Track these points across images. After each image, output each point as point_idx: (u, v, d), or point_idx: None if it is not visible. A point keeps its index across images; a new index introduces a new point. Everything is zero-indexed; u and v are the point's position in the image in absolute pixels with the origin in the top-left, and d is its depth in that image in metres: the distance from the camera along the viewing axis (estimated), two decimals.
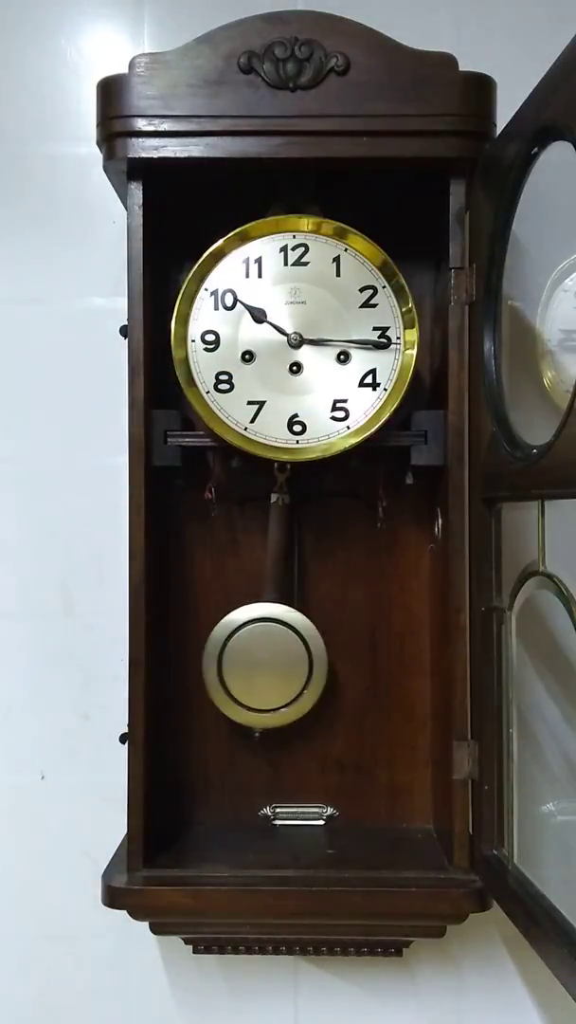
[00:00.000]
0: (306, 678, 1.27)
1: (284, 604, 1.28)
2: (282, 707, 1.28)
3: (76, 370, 1.40)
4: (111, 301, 1.35)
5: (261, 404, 1.20)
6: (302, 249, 1.20)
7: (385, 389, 1.20)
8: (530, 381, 1.30)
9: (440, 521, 1.24)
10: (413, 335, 1.20)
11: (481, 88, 1.15)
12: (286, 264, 1.20)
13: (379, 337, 1.20)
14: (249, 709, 1.28)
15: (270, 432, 1.20)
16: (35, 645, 1.41)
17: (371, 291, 1.20)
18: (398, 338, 1.20)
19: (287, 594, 1.30)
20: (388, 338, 1.20)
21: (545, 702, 1.25)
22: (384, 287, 1.20)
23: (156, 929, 1.27)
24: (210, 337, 1.20)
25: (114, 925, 1.33)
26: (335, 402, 1.20)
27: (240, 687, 1.27)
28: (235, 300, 1.20)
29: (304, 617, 1.28)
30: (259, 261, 1.20)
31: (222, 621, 1.27)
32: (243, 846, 1.26)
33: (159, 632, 1.28)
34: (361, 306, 1.20)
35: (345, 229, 1.20)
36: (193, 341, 1.20)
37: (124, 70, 1.16)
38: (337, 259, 1.20)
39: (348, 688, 1.34)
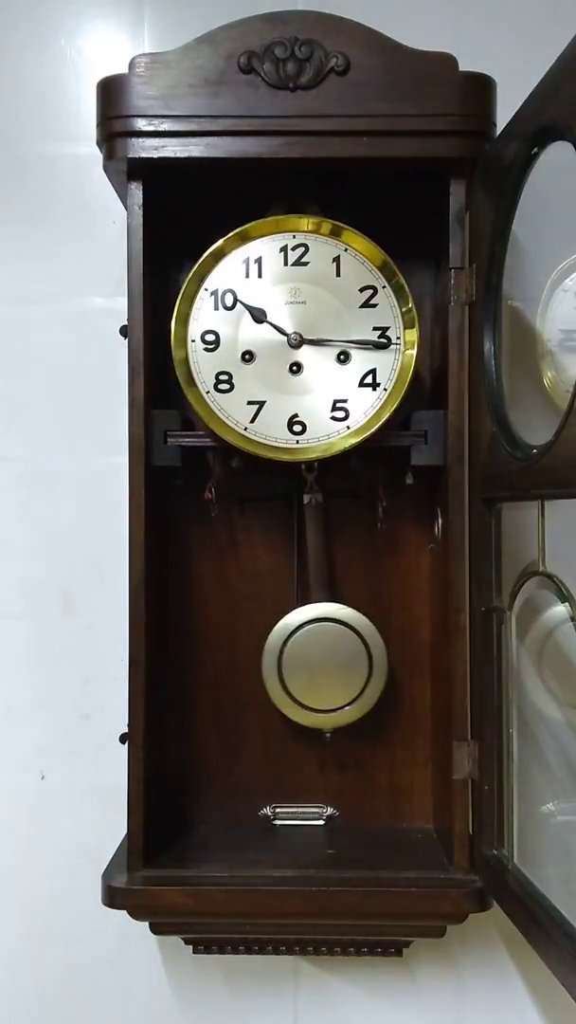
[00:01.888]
0: (367, 673, 1.27)
1: (334, 603, 1.28)
2: (346, 705, 1.28)
3: (76, 370, 1.40)
4: (111, 301, 1.35)
5: (261, 404, 1.20)
6: (302, 249, 1.20)
7: (385, 389, 1.20)
8: (530, 381, 1.30)
9: (440, 521, 1.24)
10: (413, 335, 1.20)
11: (481, 88, 1.15)
12: (286, 264, 1.20)
13: (379, 337, 1.20)
14: (314, 711, 1.28)
15: (270, 432, 1.20)
16: (35, 645, 1.41)
17: (371, 291, 1.20)
18: (398, 338, 1.20)
19: (334, 592, 1.30)
20: (388, 338, 1.20)
21: (545, 702, 1.25)
22: (384, 287, 1.20)
23: (156, 929, 1.27)
24: (210, 337, 1.20)
25: (114, 925, 1.33)
26: (335, 402, 1.20)
27: (302, 690, 1.27)
28: (235, 300, 1.20)
29: (358, 613, 1.28)
30: (259, 261, 1.20)
31: (276, 626, 1.28)
32: (243, 846, 1.26)
33: (159, 632, 1.28)
34: (361, 306, 1.20)
35: (345, 229, 1.20)
36: (193, 341, 1.20)
37: (124, 70, 1.16)
38: (337, 259, 1.20)
39: None
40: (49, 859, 1.40)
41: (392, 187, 1.24)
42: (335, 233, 1.20)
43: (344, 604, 1.29)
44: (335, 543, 1.34)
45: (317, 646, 1.27)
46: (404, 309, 1.20)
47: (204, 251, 1.20)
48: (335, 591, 1.32)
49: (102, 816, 1.35)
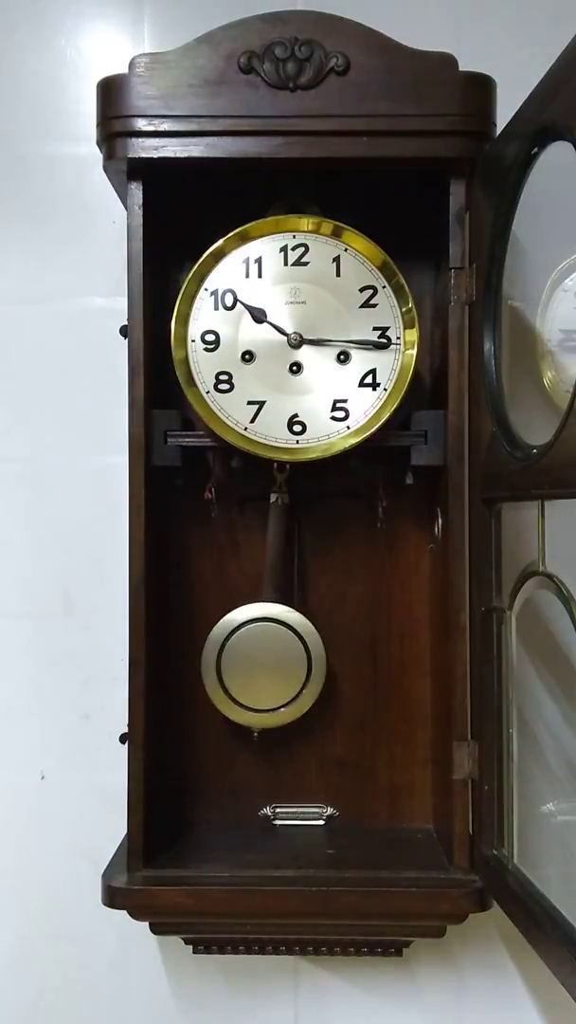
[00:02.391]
0: (304, 678, 1.27)
1: (283, 604, 1.28)
2: (281, 707, 1.28)
3: (76, 370, 1.40)
4: (111, 301, 1.35)
5: (261, 404, 1.20)
6: (302, 249, 1.20)
7: (385, 389, 1.20)
8: (530, 381, 1.30)
9: (440, 521, 1.24)
10: (413, 335, 1.20)
11: (481, 88, 1.15)
12: (286, 264, 1.20)
13: (379, 337, 1.20)
14: (248, 709, 1.28)
15: (270, 432, 1.20)
16: (35, 645, 1.41)
17: (371, 291, 1.20)
18: (398, 338, 1.20)
19: (286, 594, 1.30)
20: (388, 338, 1.20)
21: (545, 702, 1.25)
22: (384, 287, 1.20)
23: (156, 929, 1.27)
24: (210, 337, 1.20)
25: (114, 925, 1.33)
26: (335, 402, 1.20)
27: (239, 687, 1.27)
28: (235, 300, 1.20)
29: (303, 617, 1.28)
30: (259, 261, 1.20)
31: (221, 621, 1.27)
32: (243, 846, 1.26)
33: (159, 632, 1.28)
34: (361, 306, 1.20)
35: (345, 229, 1.20)
36: (193, 341, 1.20)
37: (124, 70, 1.16)
38: (337, 259, 1.20)
39: (348, 688, 1.34)
40: (49, 859, 1.40)
41: (392, 187, 1.24)
42: (335, 233, 1.20)
43: (342, 604, 1.29)
44: (335, 543, 1.34)
45: (259, 645, 1.27)
46: (404, 309, 1.20)
47: (204, 251, 1.20)
48: (291, 593, 1.31)
49: (102, 816, 1.35)
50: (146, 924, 1.24)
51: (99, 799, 1.37)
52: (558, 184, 1.07)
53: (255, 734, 1.30)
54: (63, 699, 1.40)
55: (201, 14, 1.26)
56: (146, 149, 1.15)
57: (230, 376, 1.20)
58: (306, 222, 1.20)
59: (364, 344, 1.19)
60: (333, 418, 1.20)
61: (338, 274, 1.20)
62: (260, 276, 1.20)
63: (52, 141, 1.41)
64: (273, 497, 1.27)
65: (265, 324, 1.20)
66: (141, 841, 1.18)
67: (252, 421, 1.20)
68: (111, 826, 1.26)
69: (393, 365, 1.20)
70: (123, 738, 1.20)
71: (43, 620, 1.41)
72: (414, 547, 1.34)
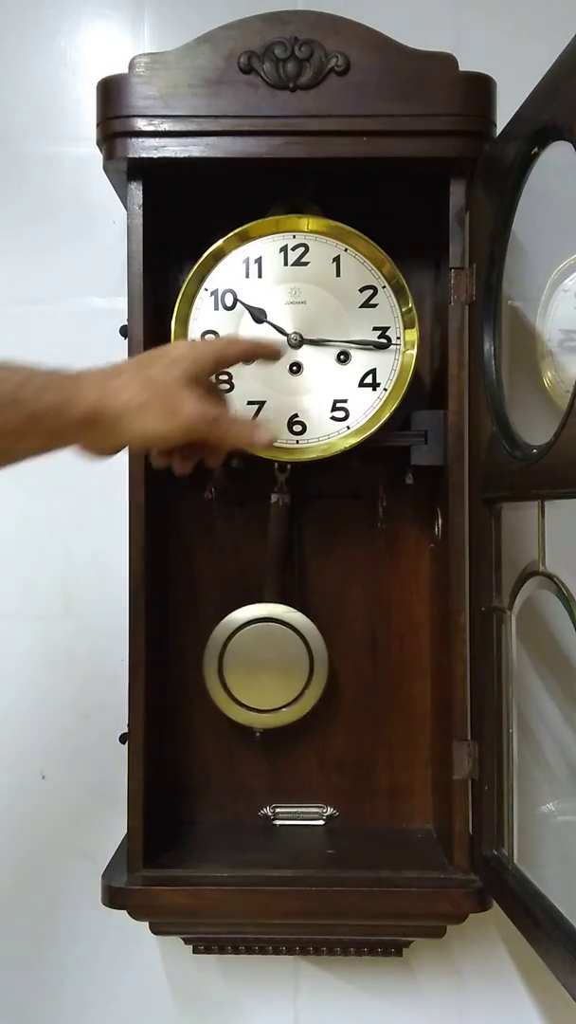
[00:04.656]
0: (307, 678, 1.27)
1: (284, 604, 1.28)
2: (283, 707, 1.28)
3: None
4: (111, 301, 1.35)
5: (261, 404, 1.20)
6: (302, 249, 1.20)
7: (385, 389, 1.20)
8: (530, 381, 1.30)
9: (440, 521, 1.24)
10: (413, 335, 1.20)
11: (481, 88, 1.15)
12: (286, 264, 1.20)
13: (379, 337, 1.20)
14: (250, 709, 1.28)
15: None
16: (35, 645, 1.41)
17: (371, 291, 1.20)
18: (398, 338, 1.20)
19: (287, 594, 1.30)
20: (388, 338, 1.20)
21: (545, 702, 1.25)
22: (384, 287, 1.20)
23: (156, 929, 1.27)
24: (210, 337, 1.20)
25: (114, 925, 1.33)
26: (335, 402, 1.20)
27: (241, 687, 1.27)
28: (235, 300, 1.20)
29: (305, 617, 1.28)
30: (259, 261, 1.20)
31: (223, 621, 1.27)
32: (243, 846, 1.26)
33: (159, 632, 1.28)
34: (361, 306, 1.20)
35: (345, 229, 1.19)
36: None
37: (124, 70, 1.16)
38: (337, 259, 1.20)
39: (348, 688, 1.34)
40: (49, 859, 1.40)
41: (392, 187, 1.24)
42: (335, 233, 1.20)
43: (342, 604, 1.29)
44: (335, 543, 1.34)
45: (261, 645, 1.27)
46: (404, 309, 1.20)
47: (204, 251, 1.20)
48: (292, 593, 1.31)
49: (102, 816, 1.35)
50: (146, 924, 1.24)
51: (99, 799, 1.37)
52: (558, 184, 1.07)
53: (257, 734, 1.30)
54: (63, 699, 1.40)
55: (201, 14, 1.27)
56: (146, 149, 1.15)
57: (230, 376, 1.20)
58: (306, 222, 1.20)
59: (364, 344, 1.19)
60: (333, 418, 1.20)
61: (338, 274, 1.20)
62: (260, 276, 1.20)
63: (52, 141, 1.41)
64: (274, 497, 1.27)
65: (265, 324, 1.20)
66: (141, 841, 1.18)
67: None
68: (111, 826, 1.26)
69: (393, 365, 1.20)
70: (123, 738, 1.20)
71: (43, 620, 1.41)
72: (414, 547, 1.34)
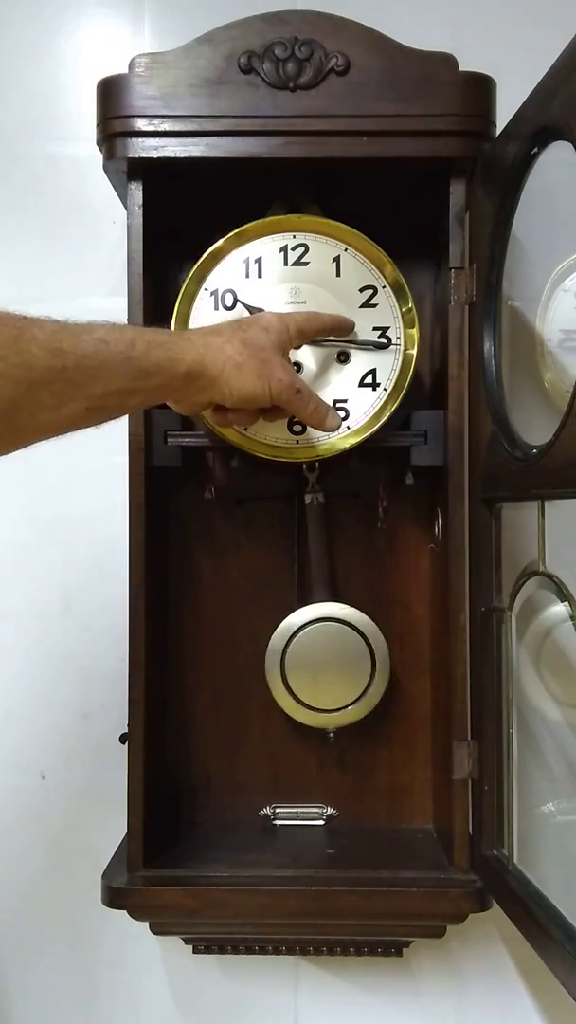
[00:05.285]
0: (370, 673, 1.27)
1: (337, 602, 1.28)
2: (350, 704, 1.28)
3: None
4: (111, 301, 1.34)
5: None
6: (302, 249, 1.20)
7: (385, 389, 1.20)
8: (530, 381, 1.30)
9: (440, 521, 1.24)
10: (413, 335, 1.20)
11: (481, 88, 1.15)
12: (286, 264, 1.20)
13: (379, 337, 1.20)
14: (318, 711, 1.28)
15: (270, 432, 1.20)
16: (35, 645, 1.41)
17: (371, 291, 1.20)
18: (398, 338, 1.20)
19: (335, 592, 1.30)
20: (388, 338, 1.20)
21: (545, 702, 1.25)
22: (384, 287, 1.20)
23: (156, 929, 1.27)
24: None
25: (114, 925, 1.33)
26: (335, 402, 1.20)
27: (306, 690, 1.27)
28: (235, 300, 1.20)
29: (360, 612, 1.28)
30: (259, 261, 1.20)
31: (279, 628, 1.27)
32: (243, 846, 1.26)
33: (159, 632, 1.28)
34: (361, 306, 1.20)
35: (345, 229, 1.19)
36: None
37: (124, 70, 1.16)
38: (337, 259, 1.20)
39: None
40: (49, 859, 1.40)
41: (392, 187, 1.24)
42: (335, 233, 1.20)
43: (345, 603, 1.29)
44: (335, 543, 1.34)
45: (320, 646, 1.27)
46: (404, 309, 1.20)
47: (204, 251, 1.20)
48: (337, 590, 1.32)
49: (102, 816, 1.35)
50: (146, 924, 1.24)
51: (99, 799, 1.37)
52: (558, 184, 1.07)
53: (331, 735, 1.30)
54: (63, 699, 1.40)
55: (201, 14, 1.26)
56: (146, 149, 1.15)
57: None
58: (306, 222, 1.20)
59: (364, 344, 1.19)
60: None
61: (338, 274, 1.20)
62: (260, 276, 1.20)
63: (52, 141, 1.41)
64: (308, 498, 1.27)
65: None
66: (141, 841, 1.18)
67: None
68: (111, 826, 1.26)
69: (393, 365, 1.20)
70: (123, 738, 1.20)
71: (43, 620, 1.41)
72: (414, 547, 1.34)
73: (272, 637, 1.27)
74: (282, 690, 1.27)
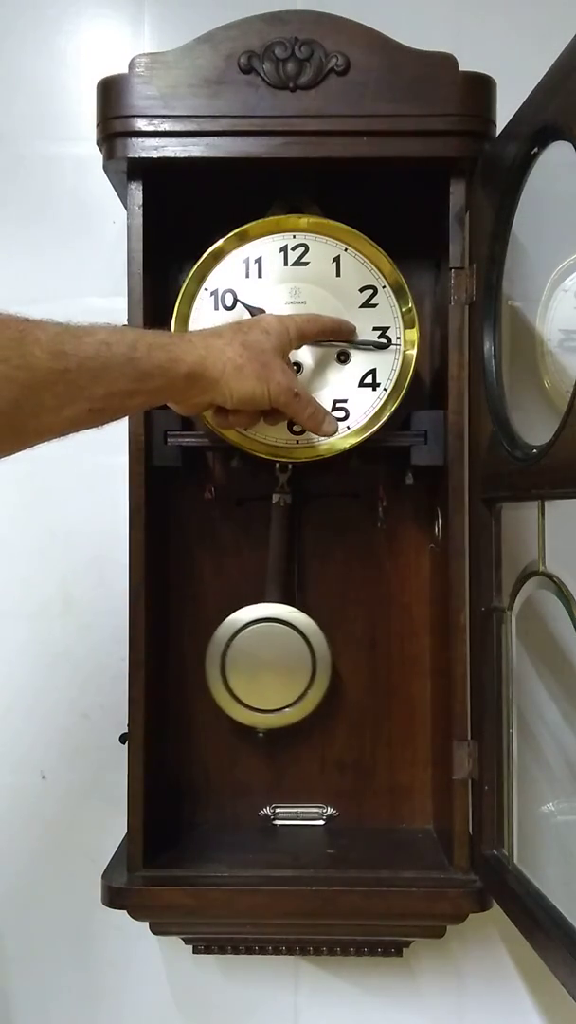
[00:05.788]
0: (309, 678, 1.27)
1: (286, 604, 1.28)
2: (286, 707, 1.28)
3: None
4: (111, 301, 1.34)
5: None
6: (302, 249, 1.20)
7: (385, 389, 1.20)
8: (530, 381, 1.30)
9: (440, 521, 1.24)
10: (413, 335, 1.20)
11: (481, 88, 1.15)
12: (286, 264, 1.20)
13: (379, 337, 1.20)
14: (252, 709, 1.28)
15: (270, 432, 1.20)
16: (35, 645, 1.41)
17: (371, 291, 1.20)
18: (398, 338, 1.20)
19: (289, 594, 1.30)
20: (388, 338, 1.20)
21: (545, 702, 1.25)
22: (384, 287, 1.20)
23: (156, 929, 1.27)
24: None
25: (114, 925, 1.33)
26: (335, 402, 1.20)
27: (243, 687, 1.27)
28: (235, 300, 1.20)
29: (307, 617, 1.28)
30: (259, 261, 1.20)
31: (225, 622, 1.27)
32: (243, 846, 1.26)
33: (159, 632, 1.28)
34: (361, 306, 1.20)
35: (345, 229, 1.19)
36: None
37: (124, 70, 1.16)
38: (337, 259, 1.20)
39: (348, 688, 1.34)
40: (49, 859, 1.40)
41: (392, 187, 1.24)
42: (335, 233, 1.20)
43: (342, 604, 1.29)
44: (335, 543, 1.34)
45: (263, 645, 1.27)
46: (404, 309, 1.20)
47: (204, 251, 1.20)
48: (293, 594, 1.31)
49: (102, 816, 1.35)
50: (146, 924, 1.24)
51: (99, 799, 1.37)
52: (558, 184, 1.07)
53: (260, 734, 1.29)
54: (63, 699, 1.40)
55: (201, 14, 1.26)
56: (146, 149, 1.15)
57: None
58: (306, 222, 1.20)
59: (364, 344, 1.19)
60: None
61: (338, 274, 1.20)
62: (260, 276, 1.20)
63: (52, 141, 1.41)
64: (275, 498, 1.27)
65: None
66: (141, 841, 1.18)
67: None
68: (111, 826, 1.26)
69: (393, 365, 1.20)
70: (123, 738, 1.20)
71: (43, 620, 1.41)
72: (414, 547, 1.34)
73: (216, 631, 1.27)
74: (220, 685, 1.27)
